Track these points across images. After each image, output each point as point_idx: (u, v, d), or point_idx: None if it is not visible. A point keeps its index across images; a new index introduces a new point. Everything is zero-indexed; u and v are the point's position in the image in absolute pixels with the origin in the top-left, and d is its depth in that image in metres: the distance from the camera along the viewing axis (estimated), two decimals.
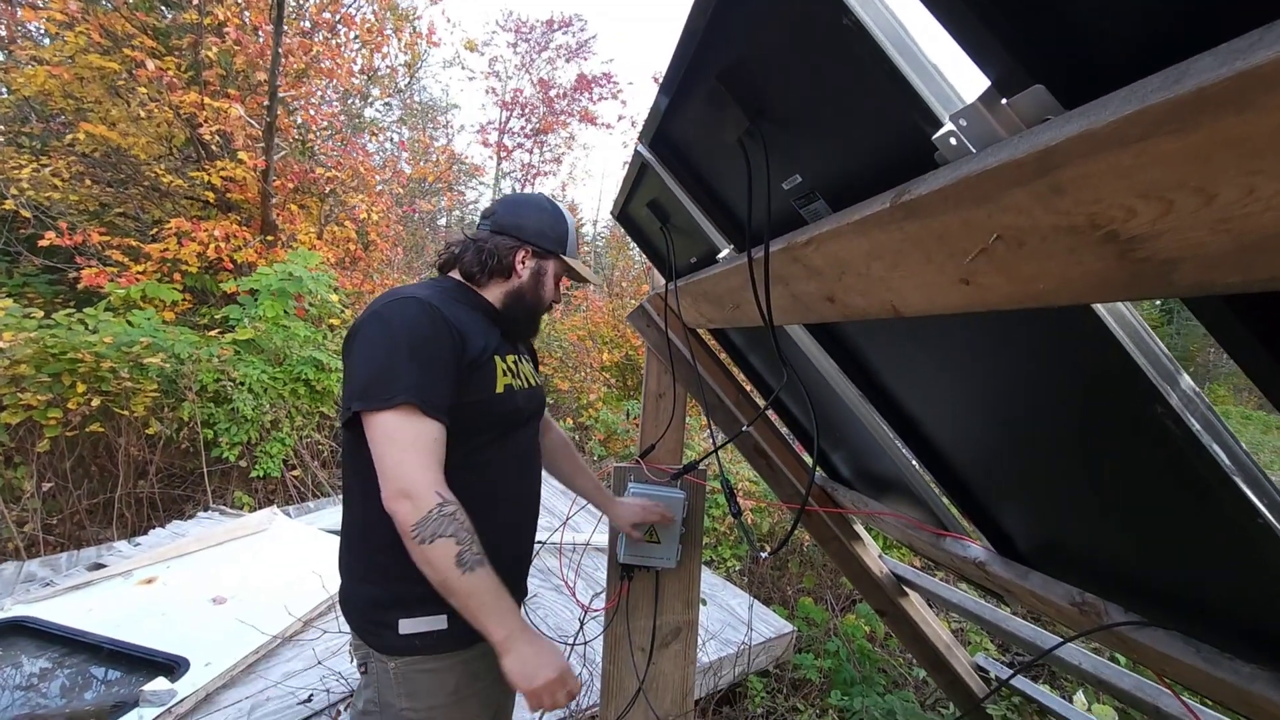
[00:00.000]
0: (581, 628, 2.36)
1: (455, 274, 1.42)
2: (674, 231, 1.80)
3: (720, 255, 1.48)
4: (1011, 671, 1.36)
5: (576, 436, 6.64)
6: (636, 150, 1.54)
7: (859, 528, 2.25)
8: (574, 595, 2.17)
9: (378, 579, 1.22)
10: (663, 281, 2.09)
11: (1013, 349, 0.92)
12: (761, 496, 4.56)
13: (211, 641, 2.54)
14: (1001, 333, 0.90)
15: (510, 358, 1.36)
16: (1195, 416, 0.68)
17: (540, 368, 1.78)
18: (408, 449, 1.09)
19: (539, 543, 3.58)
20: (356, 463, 1.21)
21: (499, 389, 1.28)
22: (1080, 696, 2.07)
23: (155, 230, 6.13)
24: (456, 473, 1.21)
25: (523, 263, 1.39)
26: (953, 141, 0.63)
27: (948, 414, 1.26)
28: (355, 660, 1.35)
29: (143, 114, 5.83)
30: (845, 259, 0.86)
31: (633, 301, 8.11)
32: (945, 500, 1.57)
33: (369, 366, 1.14)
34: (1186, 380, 0.68)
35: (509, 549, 1.33)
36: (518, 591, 1.41)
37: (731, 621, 3.20)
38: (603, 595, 2.24)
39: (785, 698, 2.95)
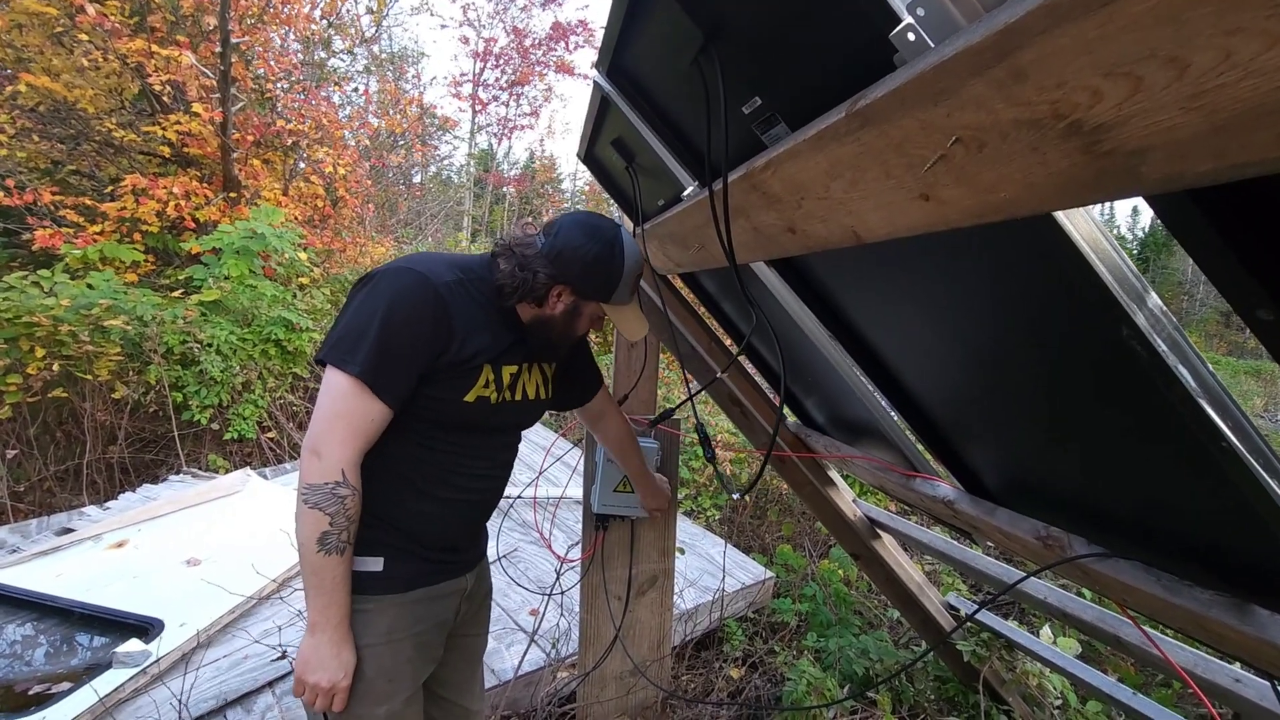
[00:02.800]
0: (558, 578, 2.37)
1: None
2: (640, 172, 1.73)
3: (685, 193, 1.42)
4: (976, 606, 1.37)
5: None
6: (595, 82, 1.46)
7: (833, 473, 2.26)
8: (549, 547, 2.17)
9: None
10: (632, 227, 2.03)
11: (977, 277, 0.88)
12: (740, 446, 4.59)
13: (186, 603, 2.51)
14: (965, 259, 0.86)
15: (510, 369, 1.30)
16: (1162, 337, 0.65)
17: None
18: (341, 417, 1.12)
19: (516, 496, 3.57)
20: None
21: (469, 398, 1.23)
22: (1047, 630, 2.12)
23: (111, 188, 5.87)
24: (404, 446, 1.21)
25: (558, 297, 1.28)
26: (910, 37, 0.57)
27: (915, 351, 1.23)
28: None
29: (87, 63, 5.51)
30: (804, 181, 0.81)
31: None
32: (916, 442, 1.56)
33: (349, 323, 1.15)
34: (1154, 299, 0.64)
35: (440, 529, 1.31)
36: (467, 556, 1.40)
37: (710, 569, 3.24)
38: (579, 546, 2.24)
39: (763, 640, 3.01)
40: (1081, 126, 0.44)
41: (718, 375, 1.69)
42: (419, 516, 1.26)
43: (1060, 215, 0.63)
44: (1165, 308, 0.64)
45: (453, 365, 1.20)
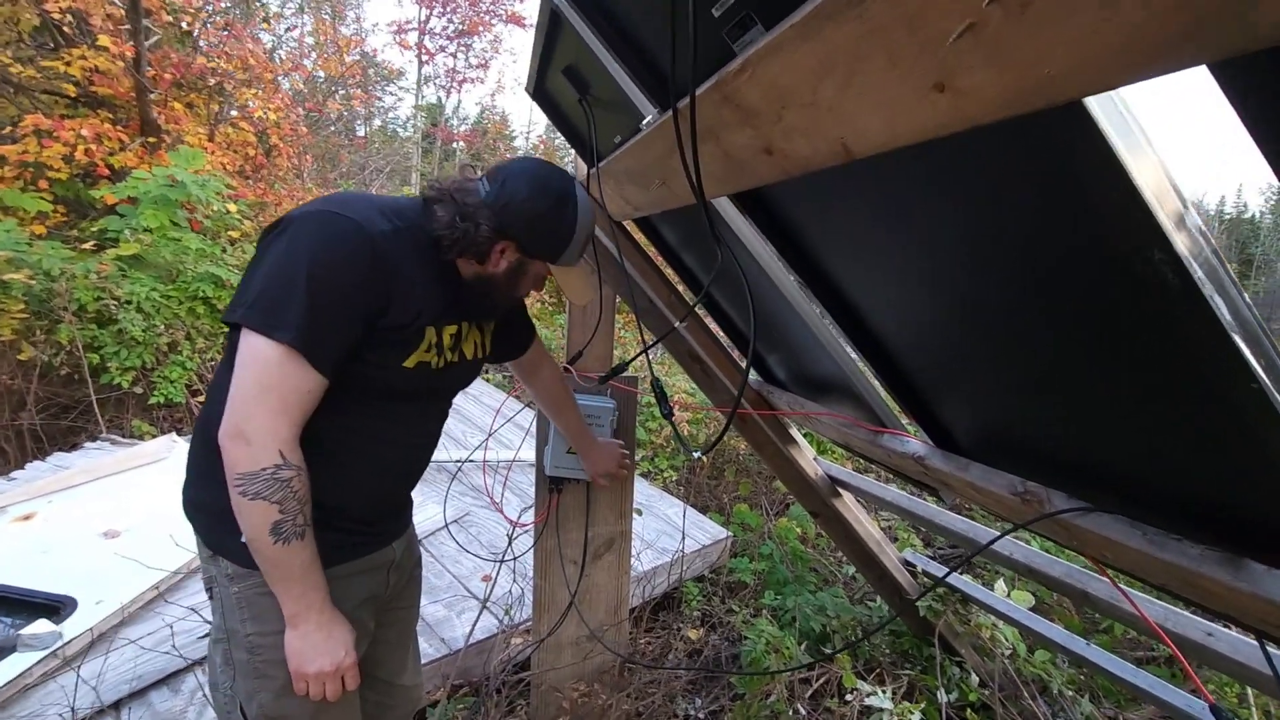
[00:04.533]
0: (510, 543, 2.26)
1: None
2: (595, 105, 1.58)
3: (644, 123, 1.28)
4: (947, 569, 1.32)
5: None
6: None
7: (794, 431, 2.20)
8: (501, 511, 2.06)
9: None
10: (584, 170, 1.88)
11: (968, 198, 0.78)
12: (700, 404, 4.54)
13: (103, 578, 2.32)
14: (962, 173, 0.75)
15: (450, 329, 1.18)
16: (1199, 263, 0.56)
17: None
18: (269, 391, 0.96)
19: (466, 459, 3.44)
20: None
21: (409, 363, 1.10)
22: (1000, 585, 2.13)
23: (9, 129, 5.31)
24: (326, 415, 1.06)
25: (501, 254, 1.15)
26: None
27: (892, 293, 1.14)
28: (203, 582, 1.21)
29: None
30: (787, 85, 0.69)
31: None
32: (885, 397, 1.49)
33: (268, 278, 0.98)
34: (1194, 217, 0.55)
35: (363, 502, 1.19)
36: (391, 527, 1.29)
37: (668, 530, 3.20)
38: (533, 509, 2.14)
39: (721, 600, 3.00)
40: None
41: (675, 326, 1.59)
42: (340, 490, 1.13)
43: (1093, 105, 0.52)
44: (1204, 226, 0.55)
45: (393, 328, 1.06)
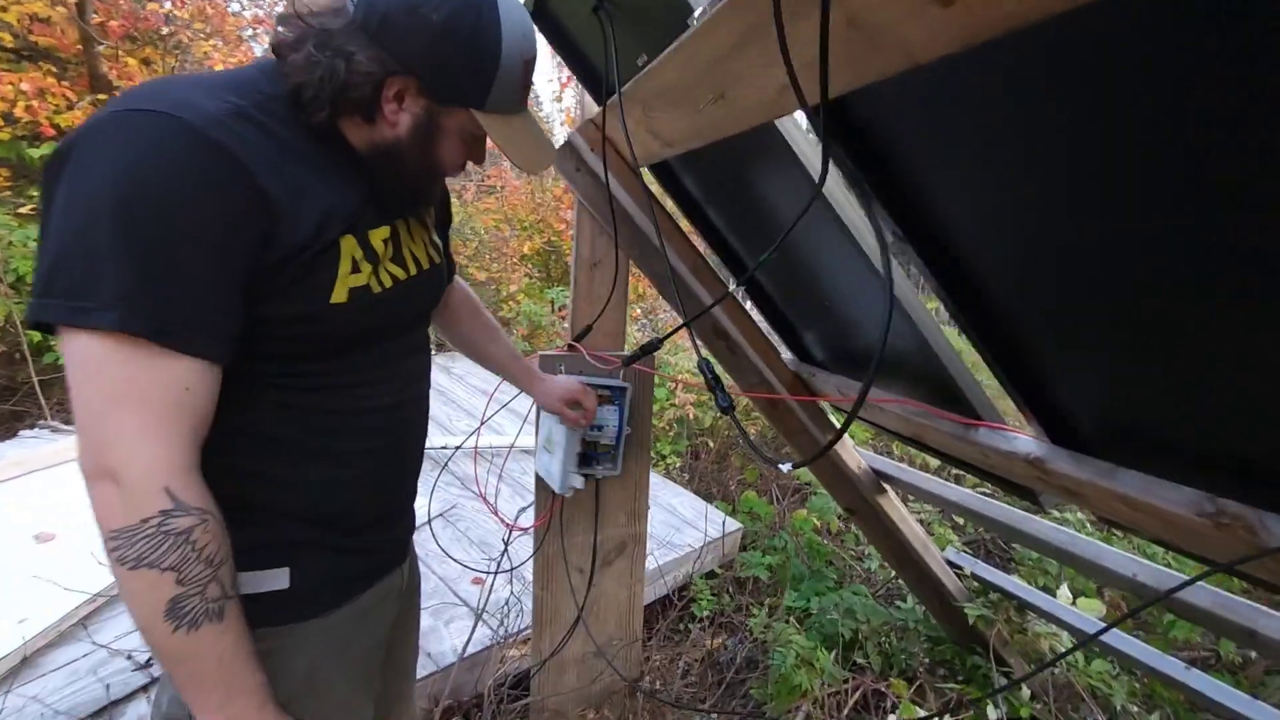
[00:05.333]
0: (506, 550, 1.97)
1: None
2: (616, 11, 1.25)
3: (694, 16, 0.96)
4: (1106, 625, 1.05)
5: None
6: None
7: (834, 418, 1.92)
8: (495, 513, 1.75)
9: None
10: (596, 110, 1.55)
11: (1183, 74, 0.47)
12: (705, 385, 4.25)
13: (31, 591, 2.00)
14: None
15: (379, 233, 0.82)
16: None
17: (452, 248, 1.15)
18: (121, 404, 0.62)
19: (457, 448, 3.13)
20: None
21: (337, 297, 0.75)
22: (1065, 590, 1.89)
23: None
24: (259, 400, 0.74)
25: (397, 101, 0.77)
26: None
27: (1027, 229, 0.83)
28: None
29: None
30: None
31: (553, 180, 7.14)
32: (982, 379, 1.21)
33: (60, 244, 0.61)
34: None
35: (359, 497, 0.88)
36: (399, 536, 1.00)
37: (674, 523, 2.93)
38: (531, 509, 1.85)
39: (731, 598, 2.75)
40: None
41: (733, 288, 1.29)
42: (322, 489, 0.82)
43: None
44: None
45: (291, 255, 0.70)
